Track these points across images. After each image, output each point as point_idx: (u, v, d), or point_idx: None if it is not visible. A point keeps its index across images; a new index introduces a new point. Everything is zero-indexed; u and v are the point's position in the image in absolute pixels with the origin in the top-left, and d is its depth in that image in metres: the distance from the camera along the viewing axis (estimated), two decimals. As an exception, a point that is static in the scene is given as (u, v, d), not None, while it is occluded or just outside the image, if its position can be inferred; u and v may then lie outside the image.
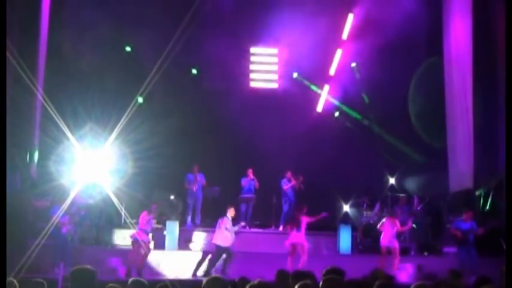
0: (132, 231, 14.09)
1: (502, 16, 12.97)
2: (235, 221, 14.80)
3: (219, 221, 14.21)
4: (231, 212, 14.36)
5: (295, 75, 19.71)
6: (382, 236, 14.41)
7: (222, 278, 4.89)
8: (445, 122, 17.63)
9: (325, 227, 16.58)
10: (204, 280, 4.80)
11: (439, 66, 17.81)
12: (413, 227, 15.61)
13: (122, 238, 15.07)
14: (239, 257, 13.99)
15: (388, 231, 14.31)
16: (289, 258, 13.95)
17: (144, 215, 13.99)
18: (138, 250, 13.60)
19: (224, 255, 13.97)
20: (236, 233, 14.34)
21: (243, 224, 15.76)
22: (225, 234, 14.02)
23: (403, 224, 14.63)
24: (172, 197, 16.72)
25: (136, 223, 14.06)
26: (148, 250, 13.77)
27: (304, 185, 17.22)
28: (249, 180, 17.39)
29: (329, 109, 19.84)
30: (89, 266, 5.36)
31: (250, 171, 17.50)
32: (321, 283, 5.18)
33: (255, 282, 4.78)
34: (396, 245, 14.27)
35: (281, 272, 6.97)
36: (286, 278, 6.62)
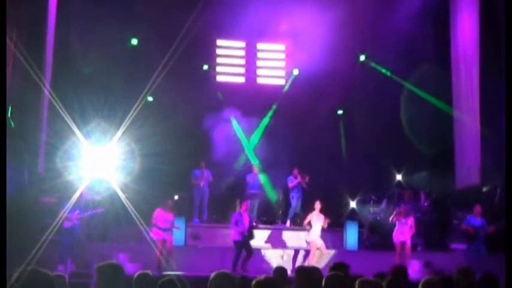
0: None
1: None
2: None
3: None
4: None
5: (295, 71, 19.72)
6: (395, 232, 14.35)
7: (230, 274, 4.83)
8: (435, 128, 17.80)
9: (332, 223, 16.64)
10: (212, 275, 4.77)
11: (432, 74, 17.83)
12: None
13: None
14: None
15: (402, 227, 14.28)
16: (311, 254, 14.47)
17: (159, 212, 14.10)
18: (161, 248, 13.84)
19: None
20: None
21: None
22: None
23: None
24: (176, 197, 16.74)
25: (154, 221, 14.11)
26: (166, 248, 13.91)
27: (308, 185, 17.20)
28: (254, 175, 17.47)
29: (335, 105, 19.84)
30: (114, 261, 5.38)
31: (254, 167, 17.62)
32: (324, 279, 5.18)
33: (262, 278, 4.76)
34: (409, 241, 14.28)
35: (278, 268, 6.99)
36: (284, 275, 6.65)
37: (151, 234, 13.84)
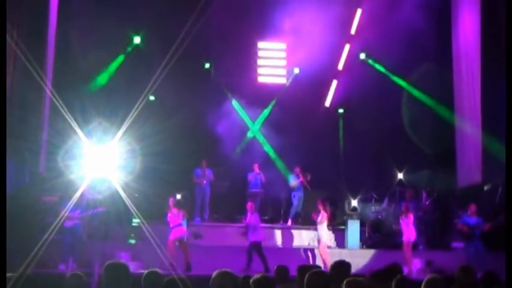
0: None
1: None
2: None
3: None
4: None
5: (296, 70, 19.70)
6: (403, 232, 14.36)
7: (231, 272, 4.83)
8: (437, 126, 17.81)
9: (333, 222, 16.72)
10: (214, 274, 4.77)
11: (433, 72, 17.82)
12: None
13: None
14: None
15: (406, 227, 14.29)
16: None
17: (173, 213, 14.22)
18: (177, 247, 13.92)
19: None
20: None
21: None
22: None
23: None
24: (178, 196, 16.76)
25: (168, 224, 14.24)
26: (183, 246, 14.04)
27: (310, 183, 17.18)
28: (255, 174, 17.46)
29: (336, 104, 19.84)
30: (122, 261, 5.38)
31: (256, 166, 17.65)
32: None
33: (258, 276, 4.77)
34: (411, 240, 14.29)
35: (280, 267, 6.99)
36: (285, 274, 6.63)
37: (170, 237, 13.98)
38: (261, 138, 19.34)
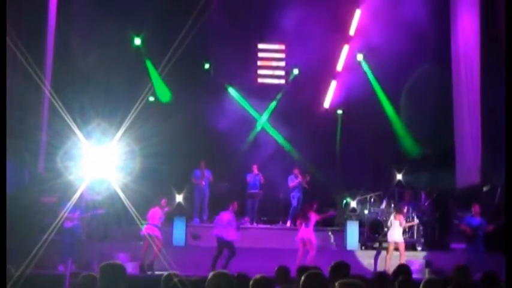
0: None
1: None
2: (241, 216, 15.00)
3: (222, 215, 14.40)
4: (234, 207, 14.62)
5: (295, 71, 19.69)
6: (389, 232, 14.45)
7: (227, 273, 4.85)
8: (435, 127, 17.84)
9: (333, 223, 16.72)
10: (210, 275, 4.78)
11: (432, 74, 17.83)
12: (419, 224, 15.65)
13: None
14: (247, 253, 14.02)
15: (395, 227, 14.35)
16: (298, 253, 14.03)
17: (155, 210, 14.11)
18: (149, 245, 13.69)
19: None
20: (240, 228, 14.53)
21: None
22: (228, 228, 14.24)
23: (408, 219, 14.71)
24: (178, 199, 16.76)
25: (147, 218, 14.12)
26: (160, 245, 13.83)
27: (309, 184, 17.20)
28: (254, 175, 17.45)
29: (336, 105, 19.83)
30: (118, 261, 5.40)
31: (254, 167, 17.61)
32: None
33: (257, 277, 4.77)
34: (402, 240, 14.31)
35: (281, 268, 6.97)
36: (286, 274, 6.62)
37: (145, 230, 13.88)
38: (268, 128, 19.45)
